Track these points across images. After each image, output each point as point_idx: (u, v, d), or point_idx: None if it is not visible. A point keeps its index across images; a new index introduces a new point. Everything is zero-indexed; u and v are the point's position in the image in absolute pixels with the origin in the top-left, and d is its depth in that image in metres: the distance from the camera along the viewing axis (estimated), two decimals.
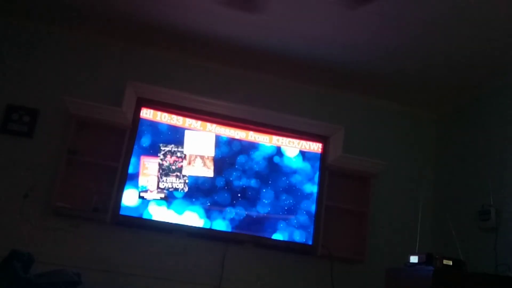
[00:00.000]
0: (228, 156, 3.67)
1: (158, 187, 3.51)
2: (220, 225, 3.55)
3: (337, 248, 3.57)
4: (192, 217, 3.51)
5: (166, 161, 3.57)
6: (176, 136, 3.62)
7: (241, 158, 3.68)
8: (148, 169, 3.53)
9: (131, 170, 3.50)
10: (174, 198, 3.52)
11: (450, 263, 2.60)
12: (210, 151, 3.65)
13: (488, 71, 3.39)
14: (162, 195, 3.51)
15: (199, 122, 3.69)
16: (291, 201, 3.67)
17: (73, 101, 3.37)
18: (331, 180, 3.72)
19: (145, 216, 3.45)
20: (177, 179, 3.55)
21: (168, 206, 3.50)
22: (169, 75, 3.79)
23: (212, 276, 3.48)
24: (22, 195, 3.35)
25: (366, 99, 4.11)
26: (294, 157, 3.77)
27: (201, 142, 3.66)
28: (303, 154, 3.79)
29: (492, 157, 3.38)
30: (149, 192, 3.50)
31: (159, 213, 3.47)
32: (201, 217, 3.53)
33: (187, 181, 3.57)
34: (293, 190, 3.70)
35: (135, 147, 3.54)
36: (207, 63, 3.87)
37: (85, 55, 3.71)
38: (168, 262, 3.46)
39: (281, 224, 3.63)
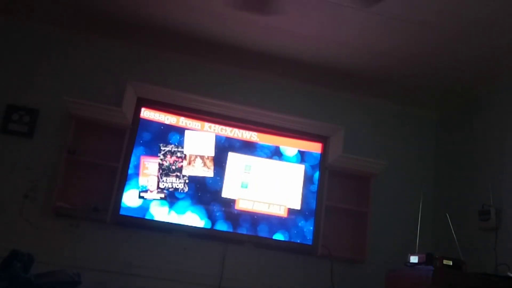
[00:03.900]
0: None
1: (158, 187, 3.52)
2: (220, 225, 3.55)
3: (337, 248, 3.58)
4: (192, 217, 3.51)
5: (166, 161, 3.57)
6: (176, 136, 3.63)
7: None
8: (148, 169, 3.53)
9: (131, 170, 3.50)
10: (174, 198, 3.52)
11: (450, 263, 2.60)
12: (210, 151, 3.65)
13: (488, 72, 3.39)
14: (162, 195, 3.51)
15: (199, 122, 3.69)
16: (291, 200, 3.68)
17: (73, 101, 3.37)
18: (331, 180, 3.72)
19: (145, 216, 3.45)
20: (177, 179, 3.55)
21: (168, 206, 3.50)
22: (169, 75, 3.79)
23: (212, 276, 3.48)
24: (22, 195, 3.36)
25: (366, 99, 4.11)
26: (295, 157, 3.77)
27: (201, 142, 3.66)
28: (303, 154, 3.79)
29: (492, 157, 3.38)
30: (149, 192, 3.50)
31: (159, 213, 3.47)
32: (201, 217, 3.53)
33: (187, 181, 3.57)
34: (293, 190, 3.70)
35: (135, 147, 3.54)
36: (207, 63, 3.87)
37: (85, 55, 3.71)
38: (168, 262, 3.46)
39: (281, 224, 3.63)
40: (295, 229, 3.65)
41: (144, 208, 3.47)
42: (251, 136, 3.75)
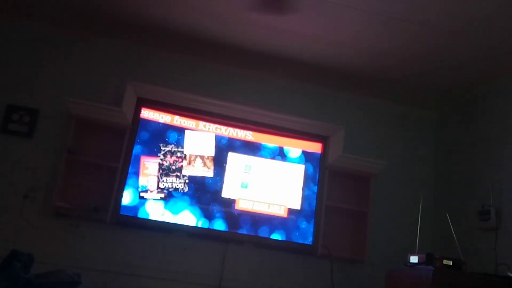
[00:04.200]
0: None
1: (158, 187, 3.52)
2: (220, 225, 3.55)
3: (337, 248, 3.58)
4: (192, 217, 3.51)
5: (166, 161, 3.57)
6: (176, 136, 3.63)
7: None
8: (148, 169, 3.53)
9: (131, 170, 3.50)
10: (174, 198, 3.52)
11: (450, 263, 2.59)
12: (210, 151, 3.65)
13: (488, 71, 3.39)
14: (162, 195, 3.51)
15: (199, 122, 3.69)
16: (291, 200, 3.68)
17: (73, 101, 3.37)
18: (331, 180, 3.72)
19: (145, 216, 3.45)
20: (177, 179, 3.55)
21: (168, 206, 3.50)
22: (169, 75, 3.79)
23: (212, 276, 3.48)
24: (22, 195, 3.36)
25: (366, 100, 4.11)
26: (295, 157, 3.77)
27: (201, 142, 3.66)
28: (303, 154, 3.79)
29: (492, 157, 3.38)
30: (149, 192, 3.50)
31: (159, 213, 3.47)
32: (201, 217, 3.53)
33: (187, 181, 3.57)
34: (293, 190, 3.70)
35: (135, 147, 3.54)
36: (207, 63, 3.87)
37: (85, 55, 3.71)
38: (168, 262, 3.46)
39: (281, 224, 3.63)
40: (295, 229, 3.64)
41: (144, 208, 3.47)
42: (245, 135, 3.74)
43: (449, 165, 3.91)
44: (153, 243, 3.47)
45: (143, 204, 3.47)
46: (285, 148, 3.78)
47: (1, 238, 3.23)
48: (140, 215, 3.45)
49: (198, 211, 3.53)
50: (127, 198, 3.45)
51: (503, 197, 3.16)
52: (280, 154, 3.76)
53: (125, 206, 3.44)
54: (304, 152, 3.80)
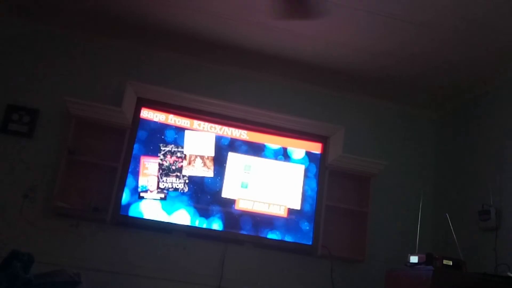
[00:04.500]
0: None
1: (158, 187, 3.52)
2: (220, 225, 3.55)
3: (337, 248, 3.58)
4: (192, 217, 3.51)
5: (166, 161, 3.57)
6: (176, 136, 3.63)
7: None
8: (148, 169, 3.53)
9: (131, 170, 3.50)
10: (174, 198, 3.52)
11: (450, 263, 2.59)
12: (210, 151, 3.65)
13: (487, 72, 3.39)
14: (162, 195, 3.51)
15: (199, 122, 3.69)
16: (291, 200, 3.68)
17: (73, 101, 3.37)
18: (331, 180, 3.72)
19: (145, 216, 3.45)
20: (177, 179, 3.55)
21: (168, 206, 3.50)
22: (169, 75, 3.79)
23: (212, 276, 3.48)
24: (22, 195, 3.36)
25: (366, 100, 4.11)
26: (298, 158, 3.77)
27: (201, 142, 3.66)
28: (307, 155, 3.79)
29: (492, 157, 3.38)
30: (149, 192, 3.50)
31: (158, 213, 3.47)
32: (201, 217, 3.53)
33: (187, 181, 3.57)
34: (293, 190, 3.70)
35: (135, 147, 3.54)
36: (207, 63, 3.87)
37: (85, 55, 3.71)
38: (168, 262, 3.46)
39: (281, 224, 3.63)
40: (295, 229, 3.64)
41: (144, 208, 3.47)
42: (240, 134, 3.74)
43: (449, 165, 3.91)
44: (153, 243, 3.47)
45: (143, 204, 3.47)
46: (289, 149, 3.77)
47: (1, 238, 3.23)
48: (140, 215, 3.45)
49: (197, 211, 3.53)
50: (127, 198, 3.45)
51: (503, 197, 3.16)
52: (283, 154, 3.76)
53: (125, 206, 3.44)
54: (307, 153, 3.79)
